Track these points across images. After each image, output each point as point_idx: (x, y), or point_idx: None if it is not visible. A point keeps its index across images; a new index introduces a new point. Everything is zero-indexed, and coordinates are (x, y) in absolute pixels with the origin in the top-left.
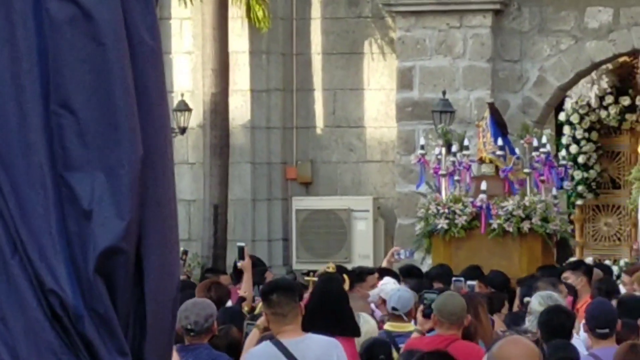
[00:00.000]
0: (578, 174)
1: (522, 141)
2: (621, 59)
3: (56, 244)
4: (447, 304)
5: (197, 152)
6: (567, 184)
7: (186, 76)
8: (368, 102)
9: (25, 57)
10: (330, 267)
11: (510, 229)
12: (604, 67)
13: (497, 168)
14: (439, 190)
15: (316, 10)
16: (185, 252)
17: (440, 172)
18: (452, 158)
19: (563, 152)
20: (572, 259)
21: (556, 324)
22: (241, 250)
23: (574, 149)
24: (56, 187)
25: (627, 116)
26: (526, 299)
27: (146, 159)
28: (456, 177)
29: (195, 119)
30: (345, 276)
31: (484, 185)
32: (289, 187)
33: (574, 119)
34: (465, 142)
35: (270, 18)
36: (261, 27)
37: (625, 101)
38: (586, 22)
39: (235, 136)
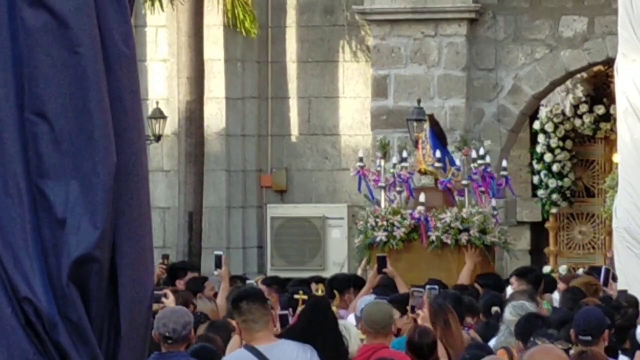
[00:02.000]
0: (552, 183)
1: (460, 153)
2: (595, 68)
3: (31, 252)
4: (372, 313)
5: (172, 159)
6: (513, 196)
7: (161, 84)
8: (343, 110)
9: (0, 66)
10: (319, 290)
11: (449, 241)
12: (578, 75)
13: (436, 180)
14: (377, 203)
15: (291, 18)
16: (167, 256)
17: (380, 183)
18: (391, 169)
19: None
20: (545, 267)
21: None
22: (218, 259)
23: (548, 157)
24: (31, 194)
25: (602, 125)
26: (494, 308)
27: (120, 167)
28: (398, 189)
29: (170, 126)
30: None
31: (422, 197)
32: (263, 195)
33: (549, 127)
34: (404, 154)
35: (255, 24)
36: (250, 34)
37: (600, 110)
38: (561, 31)
39: (210, 144)
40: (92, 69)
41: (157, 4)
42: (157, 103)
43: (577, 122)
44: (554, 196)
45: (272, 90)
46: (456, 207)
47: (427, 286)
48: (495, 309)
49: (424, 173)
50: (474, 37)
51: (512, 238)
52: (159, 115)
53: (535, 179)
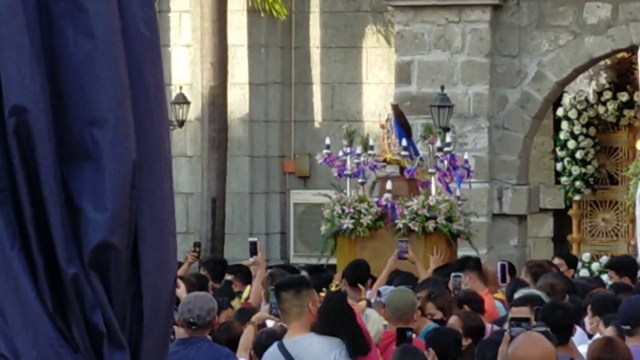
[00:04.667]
0: (576, 170)
1: (426, 141)
2: (619, 55)
3: (67, 237)
4: (395, 300)
5: (195, 145)
6: (464, 186)
7: (185, 69)
8: (366, 96)
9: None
10: (334, 285)
11: (416, 228)
12: (602, 62)
13: (402, 169)
14: (342, 190)
15: (315, 4)
16: (199, 244)
17: (345, 172)
18: (356, 160)
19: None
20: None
21: (553, 320)
22: (254, 246)
23: (571, 144)
24: (59, 181)
25: (625, 112)
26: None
27: (143, 152)
28: (360, 180)
29: (193, 112)
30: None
31: (389, 185)
32: (286, 181)
33: (572, 114)
34: (371, 142)
35: (285, 6)
36: (281, 15)
37: (624, 97)
38: (585, 18)
39: (234, 129)
40: (108, 54)
41: None
42: (181, 88)
43: (601, 109)
44: (577, 183)
45: (296, 76)
46: (423, 195)
47: (452, 274)
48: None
49: (389, 162)
50: (497, 23)
51: (475, 229)
52: (182, 100)
53: (559, 166)
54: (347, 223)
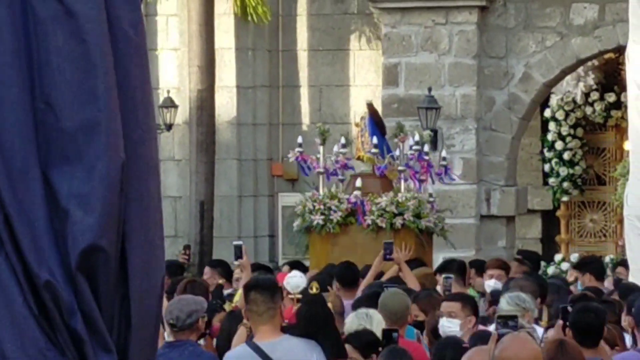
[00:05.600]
0: (563, 171)
1: (396, 139)
2: (606, 56)
3: (47, 240)
4: (389, 302)
5: (183, 148)
6: (447, 180)
7: (172, 73)
8: (354, 98)
9: (14, 54)
10: (314, 288)
11: (384, 225)
12: (589, 63)
13: (374, 166)
14: (316, 188)
15: (302, 7)
16: (188, 247)
17: (318, 169)
18: (332, 157)
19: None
20: (557, 255)
21: (584, 324)
22: (239, 249)
23: (559, 145)
24: (42, 183)
25: (613, 112)
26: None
27: (130, 155)
28: (340, 177)
29: (181, 115)
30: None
31: (358, 182)
32: (275, 184)
33: (560, 115)
34: (342, 141)
35: (268, 10)
36: (263, 20)
37: (611, 97)
38: (572, 19)
39: (222, 133)
40: (99, 58)
41: None
42: (168, 92)
43: (588, 109)
44: (565, 184)
45: (283, 79)
46: (392, 191)
47: (443, 275)
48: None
49: (363, 160)
50: (484, 25)
51: (449, 226)
52: (170, 104)
53: (546, 167)
54: (318, 219)
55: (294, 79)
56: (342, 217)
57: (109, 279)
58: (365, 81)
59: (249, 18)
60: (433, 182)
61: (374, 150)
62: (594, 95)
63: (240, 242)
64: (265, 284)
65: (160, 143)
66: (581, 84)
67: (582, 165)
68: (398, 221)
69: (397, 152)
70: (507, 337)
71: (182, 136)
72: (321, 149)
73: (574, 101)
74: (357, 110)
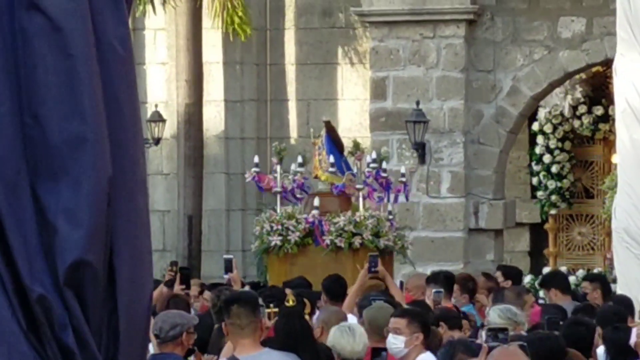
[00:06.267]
0: (551, 184)
1: (352, 157)
2: (594, 69)
3: (39, 254)
4: (377, 317)
5: (171, 162)
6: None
7: (160, 87)
8: (342, 112)
9: (1, 70)
10: (290, 300)
11: (342, 245)
12: (577, 76)
13: (331, 185)
14: (273, 208)
15: (290, 21)
16: (175, 263)
17: (275, 189)
18: (291, 176)
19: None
20: (545, 268)
21: (576, 337)
22: (229, 263)
23: (547, 158)
24: (30, 198)
25: (601, 126)
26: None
27: (117, 170)
28: (299, 194)
29: (169, 129)
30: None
31: (316, 202)
32: (263, 198)
33: (547, 128)
34: (300, 160)
35: (248, 27)
36: (240, 35)
37: (599, 111)
38: (559, 32)
39: (210, 147)
40: (85, 72)
41: (148, 7)
42: (156, 106)
43: (576, 123)
44: (553, 197)
45: (271, 93)
46: (350, 211)
47: (433, 290)
48: None
49: (321, 179)
50: (472, 38)
51: (409, 242)
52: (157, 118)
53: (534, 180)
54: (276, 240)
55: (282, 93)
56: (300, 238)
57: (97, 294)
58: (353, 95)
59: (230, 33)
60: (389, 200)
61: (331, 169)
62: (582, 109)
63: (230, 256)
64: (246, 298)
65: (148, 157)
66: (569, 97)
67: (570, 179)
68: (357, 241)
69: (354, 170)
70: (497, 350)
71: (170, 150)
72: (278, 168)
73: (561, 114)
74: (345, 124)
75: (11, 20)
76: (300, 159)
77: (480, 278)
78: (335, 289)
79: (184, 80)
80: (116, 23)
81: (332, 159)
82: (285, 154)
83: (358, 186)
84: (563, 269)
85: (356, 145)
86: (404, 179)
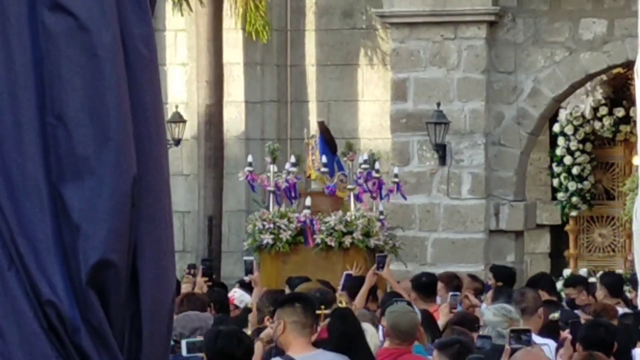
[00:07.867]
0: (572, 185)
1: (345, 158)
2: (615, 71)
3: (52, 255)
4: (400, 322)
5: (191, 163)
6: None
7: (181, 88)
8: (362, 113)
9: (21, 69)
10: (343, 302)
11: (333, 244)
12: (598, 78)
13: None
14: (267, 207)
15: (310, 22)
16: (194, 266)
17: (269, 188)
18: (284, 175)
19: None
20: (566, 270)
21: (595, 339)
22: (250, 264)
23: (568, 160)
24: (51, 198)
25: (621, 127)
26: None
27: (142, 171)
28: (293, 194)
29: (189, 130)
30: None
31: (308, 201)
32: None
33: (568, 130)
34: (293, 160)
35: (269, 29)
36: (261, 38)
37: (620, 112)
38: (580, 34)
39: (230, 147)
40: (111, 72)
41: (184, 5)
42: (177, 107)
43: (597, 124)
44: (574, 199)
45: (292, 94)
46: (341, 210)
47: (450, 293)
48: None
49: (313, 179)
50: (493, 39)
51: (400, 242)
52: (178, 119)
53: (555, 181)
54: (267, 238)
55: (302, 94)
56: (292, 236)
57: (119, 294)
58: (373, 96)
59: (249, 36)
60: (381, 199)
61: (323, 169)
62: (603, 110)
63: (251, 258)
64: (309, 298)
65: (169, 158)
66: (590, 99)
67: (591, 180)
68: (347, 240)
69: (346, 171)
70: (520, 352)
71: (190, 151)
72: (271, 167)
73: (582, 116)
74: (366, 125)
75: (32, 20)
76: (293, 159)
77: (466, 279)
78: (355, 288)
79: (204, 81)
80: (140, 24)
81: (324, 159)
82: (278, 154)
83: (349, 186)
84: (583, 270)
85: (348, 145)
86: (397, 179)
